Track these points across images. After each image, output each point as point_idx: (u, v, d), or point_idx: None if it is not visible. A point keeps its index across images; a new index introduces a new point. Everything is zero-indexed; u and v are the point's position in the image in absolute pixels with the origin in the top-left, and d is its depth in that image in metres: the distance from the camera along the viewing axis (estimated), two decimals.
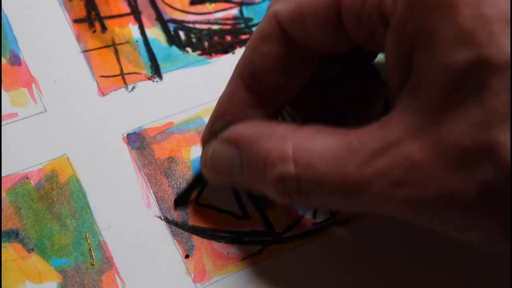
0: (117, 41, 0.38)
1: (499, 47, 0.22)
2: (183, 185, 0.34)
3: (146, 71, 0.38)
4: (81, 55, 0.38)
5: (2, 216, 0.32)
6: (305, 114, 0.34)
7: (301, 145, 0.27)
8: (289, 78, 0.30)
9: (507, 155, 0.22)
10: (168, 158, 0.35)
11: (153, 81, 0.38)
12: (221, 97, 0.31)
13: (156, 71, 0.38)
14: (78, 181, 0.34)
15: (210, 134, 0.31)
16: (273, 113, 0.31)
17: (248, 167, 0.29)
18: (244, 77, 0.30)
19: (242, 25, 0.40)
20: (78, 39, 0.38)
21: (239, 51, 0.39)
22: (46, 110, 0.36)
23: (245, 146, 0.29)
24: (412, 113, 0.24)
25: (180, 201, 0.34)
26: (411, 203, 0.25)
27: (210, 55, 0.39)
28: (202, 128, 0.36)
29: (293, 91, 0.31)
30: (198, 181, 0.34)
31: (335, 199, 0.27)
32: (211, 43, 0.39)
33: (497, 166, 0.22)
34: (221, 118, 0.31)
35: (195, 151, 0.36)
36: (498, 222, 0.24)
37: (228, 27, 0.40)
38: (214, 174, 0.31)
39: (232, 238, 0.33)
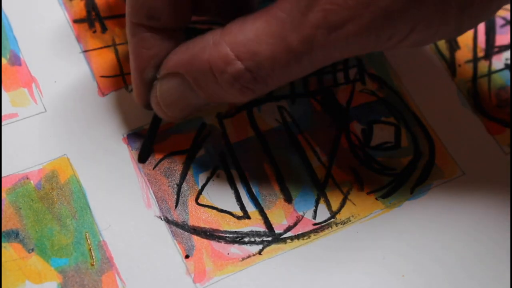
0: (117, 41, 0.38)
1: None
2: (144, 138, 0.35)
3: None
4: (81, 55, 0.38)
5: (2, 216, 0.32)
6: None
7: (236, 40, 0.28)
8: (181, 1, 0.31)
9: None
10: (168, 158, 0.35)
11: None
12: (132, 49, 0.32)
13: None
14: (78, 181, 0.34)
15: (146, 87, 0.32)
16: (183, 36, 0.32)
17: (198, 86, 0.30)
18: (142, 22, 0.31)
19: None
20: (78, 39, 0.38)
21: None
22: (46, 110, 0.36)
23: (187, 69, 0.30)
24: None
25: (144, 152, 0.35)
26: (355, 38, 0.27)
27: None
28: (201, 127, 0.36)
29: (189, 9, 0.32)
30: (155, 124, 0.34)
31: (290, 71, 0.28)
32: None
33: None
34: (147, 66, 0.32)
35: (195, 151, 0.36)
36: (433, 10, 0.27)
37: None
38: (170, 109, 0.32)
39: (232, 238, 0.33)
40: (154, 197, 0.34)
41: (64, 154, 0.35)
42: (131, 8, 0.31)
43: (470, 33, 0.42)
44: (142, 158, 0.35)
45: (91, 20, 0.39)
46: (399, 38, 0.28)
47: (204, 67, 0.29)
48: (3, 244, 0.32)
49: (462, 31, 0.30)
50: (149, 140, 0.35)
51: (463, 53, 0.41)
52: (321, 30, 0.27)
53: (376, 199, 0.35)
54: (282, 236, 0.34)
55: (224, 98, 0.30)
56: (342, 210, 0.35)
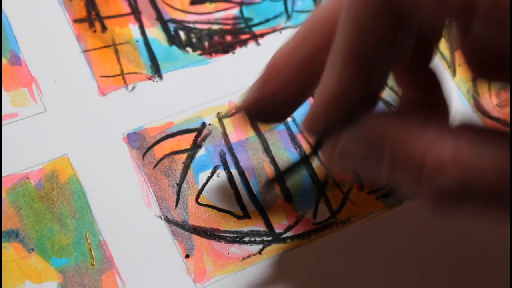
0: (117, 41, 0.38)
1: None
2: (284, 166, 0.32)
3: (146, 71, 0.38)
4: (81, 55, 0.38)
5: (2, 216, 0.32)
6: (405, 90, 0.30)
7: (463, 149, 0.23)
8: (396, 52, 0.25)
9: None
10: (168, 158, 0.35)
11: (153, 81, 0.38)
12: (327, 83, 0.26)
13: (156, 71, 0.38)
14: (78, 181, 0.34)
15: (327, 123, 0.27)
16: (380, 90, 0.27)
17: (392, 167, 0.25)
18: (351, 60, 0.25)
19: (242, 25, 0.40)
20: (78, 39, 0.38)
21: (239, 51, 0.39)
22: (46, 110, 0.36)
23: (391, 144, 0.24)
24: None
25: (279, 178, 0.31)
26: None
27: (210, 55, 0.39)
28: (201, 127, 0.36)
29: (397, 65, 0.26)
30: (305, 158, 0.31)
31: (503, 212, 0.24)
32: (211, 43, 0.39)
33: None
34: (339, 107, 0.26)
35: (195, 151, 0.36)
36: None
37: (228, 27, 0.40)
38: (342, 165, 0.27)
39: (232, 238, 0.33)
40: (154, 197, 0.34)
41: (64, 154, 0.35)
42: (344, 40, 0.25)
43: None
44: (270, 183, 0.31)
45: (91, 20, 0.39)
46: None
47: (415, 157, 0.24)
48: (3, 244, 0.32)
49: None
50: (292, 169, 0.32)
51: None
52: None
53: (376, 199, 0.35)
54: (282, 236, 0.34)
55: (408, 191, 0.26)
56: (342, 210, 0.35)
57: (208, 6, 0.40)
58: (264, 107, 0.29)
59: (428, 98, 0.29)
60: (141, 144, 0.35)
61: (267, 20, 0.40)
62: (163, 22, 0.40)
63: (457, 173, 0.23)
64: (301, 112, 0.37)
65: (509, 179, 0.23)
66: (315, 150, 0.28)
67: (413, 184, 0.24)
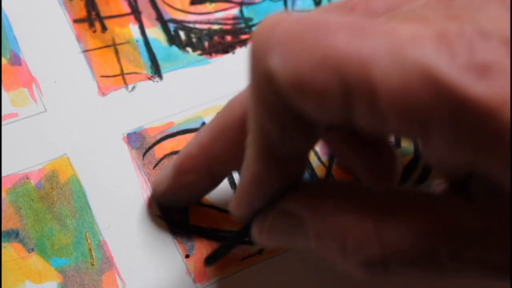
0: (117, 41, 0.38)
1: None
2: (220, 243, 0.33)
3: (146, 71, 0.38)
4: (81, 55, 0.38)
5: (2, 216, 0.32)
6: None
7: (384, 222, 0.24)
8: (307, 141, 0.26)
9: None
10: (168, 158, 0.35)
11: (153, 81, 0.38)
12: (246, 172, 0.26)
13: (156, 71, 0.38)
14: (78, 181, 0.34)
15: (251, 207, 0.27)
16: (300, 171, 0.28)
17: (318, 243, 0.25)
18: (262, 153, 0.25)
19: (242, 25, 0.40)
20: (78, 39, 0.38)
21: (239, 51, 0.39)
22: (46, 110, 0.36)
23: (314, 220, 0.25)
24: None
25: (213, 258, 0.32)
26: None
27: (210, 55, 0.39)
28: (201, 127, 0.36)
29: (310, 147, 0.27)
30: (238, 239, 0.31)
31: (426, 275, 0.25)
32: (211, 43, 0.39)
33: None
34: (260, 192, 0.27)
35: None
36: None
37: (228, 27, 0.40)
38: (273, 243, 0.28)
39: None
40: None
41: (64, 154, 0.35)
42: (255, 135, 0.25)
43: None
44: (209, 262, 0.32)
45: (91, 20, 0.39)
46: None
47: (337, 232, 0.25)
48: (3, 244, 0.32)
49: None
50: (226, 248, 0.32)
51: None
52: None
53: None
54: None
55: (337, 264, 0.26)
56: None
57: (208, 6, 0.41)
58: (175, 196, 0.32)
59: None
60: (141, 144, 0.35)
61: None
62: (163, 22, 0.40)
63: (378, 248, 0.24)
64: None
65: (426, 248, 0.23)
66: (244, 233, 0.29)
67: (341, 257, 0.25)
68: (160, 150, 0.35)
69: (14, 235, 0.32)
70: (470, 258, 0.23)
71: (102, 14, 0.39)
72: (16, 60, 0.37)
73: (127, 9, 0.40)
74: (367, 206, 0.24)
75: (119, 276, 0.32)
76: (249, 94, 0.24)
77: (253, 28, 0.40)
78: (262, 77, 0.23)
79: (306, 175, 0.35)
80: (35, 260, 0.32)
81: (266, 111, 0.24)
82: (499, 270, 0.24)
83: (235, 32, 0.40)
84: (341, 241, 0.25)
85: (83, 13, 0.39)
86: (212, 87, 0.37)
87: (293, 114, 0.23)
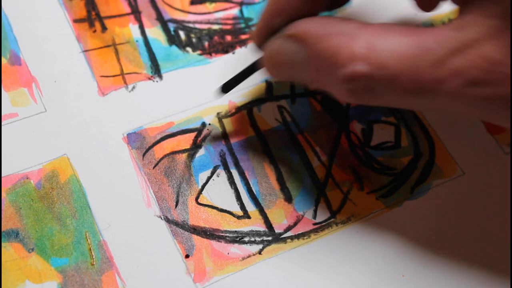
0: (117, 41, 0.38)
1: None
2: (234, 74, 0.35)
3: (146, 71, 0.38)
4: (81, 55, 0.38)
5: (2, 216, 0.32)
6: None
7: (372, 43, 0.27)
8: None
9: None
10: (168, 158, 0.35)
11: (153, 81, 0.38)
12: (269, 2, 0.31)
13: (156, 71, 0.38)
14: (78, 181, 0.34)
15: (268, 31, 0.31)
16: (333, 5, 0.32)
17: (314, 64, 0.29)
18: None
19: (242, 25, 0.40)
20: (78, 39, 0.38)
21: (239, 51, 0.39)
22: (46, 110, 0.36)
23: (313, 42, 0.28)
24: (490, 15, 0.25)
25: (228, 86, 0.34)
26: (484, 102, 0.26)
27: (210, 55, 0.39)
28: (201, 127, 0.36)
29: None
30: (251, 71, 0.34)
31: (406, 98, 0.27)
32: (211, 43, 0.39)
33: None
34: (280, 14, 0.30)
35: (195, 151, 0.36)
36: None
37: (228, 27, 0.40)
38: (276, 69, 0.31)
39: (232, 238, 0.33)
40: (154, 197, 0.34)
41: (64, 154, 0.35)
42: None
43: None
44: (224, 89, 0.35)
45: (91, 19, 0.39)
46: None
47: (329, 52, 0.28)
48: (3, 244, 0.32)
49: None
50: (239, 76, 0.34)
51: None
52: (457, 79, 0.26)
53: (376, 198, 0.35)
54: (282, 236, 0.34)
55: (328, 88, 0.29)
56: (342, 210, 0.35)
57: (208, 6, 0.41)
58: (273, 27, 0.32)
59: None
60: (141, 144, 0.35)
61: None
62: (163, 22, 0.40)
63: (366, 63, 0.27)
64: (301, 112, 0.37)
65: (411, 67, 0.26)
66: (258, 63, 0.33)
67: (332, 78, 0.28)
68: (160, 150, 0.35)
69: (14, 235, 0.32)
70: (450, 69, 0.26)
71: (102, 14, 0.39)
72: (16, 60, 0.37)
73: (127, 9, 0.40)
74: (361, 31, 0.27)
75: (119, 276, 0.32)
76: None
77: (253, 28, 0.40)
78: None
79: (307, 175, 0.36)
80: (35, 260, 0.32)
81: None
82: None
83: (235, 32, 0.40)
84: (332, 59, 0.27)
85: (83, 13, 0.39)
86: (212, 87, 0.37)
87: None
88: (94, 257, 0.32)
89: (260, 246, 0.33)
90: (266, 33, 0.31)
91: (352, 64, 0.27)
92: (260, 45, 0.32)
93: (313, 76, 0.29)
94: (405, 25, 0.28)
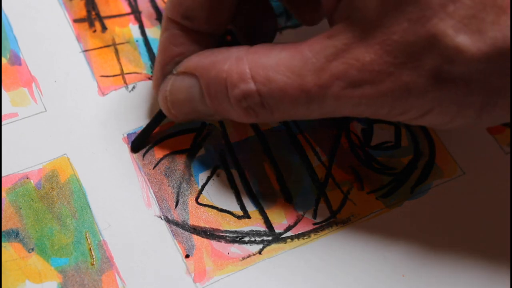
0: (117, 41, 0.38)
1: None
2: (141, 126, 0.35)
3: (146, 71, 0.38)
4: (81, 55, 0.38)
5: (2, 216, 0.32)
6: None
7: (257, 62, 0.29)
8: (219, 9, 0.31)
9: (449, 40, 0.25)
10: (168, 158, 0.35)
11: None
12: (161, 43, 0.33)
13: None
14: (78, 181, 0.34)
15: (163, 77, 0.33)
16: (214, 44, 0.33)
17: (208, 93, 0.30)
18: (177, 20, 0.31)
19: None
20: (78, 39, 0.38)
21: None
22: (46, 110, 0.36)
23: (203, 73, 0.30)
24: (355, 23, 0.27)
25: (138, 142, 0.35)
26: (369, 100, 0.27)
27: None
28: (201, 127, 0.36)
29: (225, 19, 0.32)
30: (158, 119, 0.35)
31: (297, 109, 0.29)
32: None
33: (442, 52, 0.25)
34: (170, 62, 0.32)
35: (195, 151, 0.36)
36: (453, 100, 0.27)
37: (228, 26, 0.40)
38: (176, 108, 0.33)
39: (232, 238, 0.33)
40: (154, 197, 0.34)
41: (64, 154, 0.35)
42: (169, 4, 0.31)
43: None
44: (134, 148, 0.35)
45: (91, 19, 0.39)
46: (412, 116, 0.28)
47: (220, 77, 0.29)
48: (3, 244, 0.32)
49: (480, 126, 0.29)
50: (146, 131, 0.35)
51: None
52: (339, 82, 0.27)
53: (376, 198, 0.35)
54: (282, 236, 0.34)
55: (228, 114, 0.31)
56: (342, 210, 0.35)
57: None
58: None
59: None
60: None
61: None
62: None
63: (253, 83, 0.29)
64: None
65: (295, 78, 0.28)
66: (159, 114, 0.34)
67: (227, 101, 0.30)
68: (160, 150, 0.35)
69: (14, 235, 0.32)
70: (331, 74, 0.27)
71: (102, 14, 0.39)
72: (16, 60, 0.37)
73: (127, 9, 0.40)
74: (245, 53, 0.29)
75: (119, 276, 0.32)
76: None
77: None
78: None
79: (307, 175, 0.36)
80: (35, 260, 0.32)
81: None
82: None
83: (235, 32, 0.40)
84: (224, 83, 0.29)
85: (83, 13, 0.39)
86: None
87: None
88: (94, 257, 0.32)
89: (260, 246, 0.33)
90: (162, 81, 0.33)
91: (242, 83, 0.29)
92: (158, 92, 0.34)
93: (211, 105, 0.31)
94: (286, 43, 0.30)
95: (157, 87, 0.33)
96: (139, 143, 0.35)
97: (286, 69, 0.28)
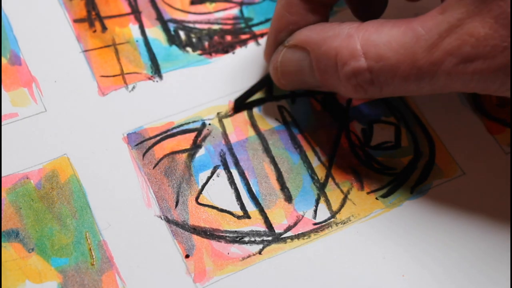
0: (117, 41, 0.38)
1: None
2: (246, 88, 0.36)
3: (146, 71, 0.38)
4: (81, 55, 0.38)
5: (2, 216, 0.32)
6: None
7: (368, 39, 0.29)
8: None
9: None
10: (168, 158, 0.35)
11: (153, 81, 0.38)
12: (277, 9, 0.33)
13: (156, 71, 0.38)
14: (78, 181, 0.34)
15: (276, 46, 0.33)
16: (327, 14, 0.33)
17: (318, 68, 0.31)
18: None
19: (242, 25, 0.40)
20: (78, 39, 0.38)
21: (239, 51, 0.39)
22: (46, 110, 0.36)
23: (314, 48, 0.31)
24: None
25: (241, 100, 0.36)
26: (482, 75, 0.27)
27: (210, 54, 0.39)
28: (201, 127, 0.36)
29: None
30: (264, 82, 0.36)
31: (407, 85, 0.29)
32: (211, 43, 0.39)
33: None
34: (284, 29, 0.33)
35: (195, 151, 0.36)
36: None
37: (228, 27, 0.40)
38: (285, 78, 0.33)
39: (232, 238, 0.33)
40: (154, 197, 0.34)
41: (64, 154, 0.35)
42: None
43: None
44: (236, 108, 0.36)
45: (91, 19, 0.39)
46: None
47: (330, 53, 0.30)
48: (3, 244, 0.32)
49: None
50: (251, 91, 0.36)
51: None
52: (451, 58, 0.27)
53: (376, 198, 0.35)
54: (282, 236, 0.34)
55: (336, 88, 0.31)
56: (342, 210, 0.35)
57: (208, 6, 0.40)
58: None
59: None
60: (141, 144, 0.35)
61: (267, 20, 0.40)
62: (163, 22, 0.40)
63: (364, 60, 0.29)
64: (301, 112, 0.37)
65: (407, 55, 0.28)
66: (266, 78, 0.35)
67: (337, 77, 0.30)
68: (160, 150, 0.35)
69: (14, 235, 0.32)
70: (444, 50, 0.27)
71: (102, 14, 0.39)
72: (16, 60, 0.37)
73: (127, 9, 0.40)
74: (356, 30, 0.29)
75: (119, 276, 0.32)
76: None
77: (253, 28, 0.40)
78: None
79: (307, 175, 0.36)
80: (35, 260, 0.32)
81: None
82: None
83: (235, 32, 0.40)
84: (334, 60, 0.30)
85: (83, 13, 0.39)
86: (212, 87, 0.37)
87: None
88: (94, 257, 0.32)
89: (260, 246, 0.33)
90: (274, 48, 0.34)
91: (353, 61, 0.29)
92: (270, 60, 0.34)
93: (320, 79, 0.31)
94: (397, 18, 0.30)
95: (269, 54, 0.34)
96: (241, 102, 0.36)
97: (398, 46, 0.28)
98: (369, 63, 0.29)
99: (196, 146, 0.36)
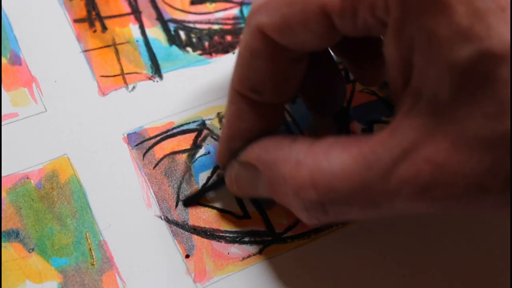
0: (117, 41, 0.38)
1: (499, 37, 0.22)
2: (197, 185, 0.35)
3: (147, 71, 0.38)
4: (82, 55, 0.38)
5: (3, 216, 0.32)
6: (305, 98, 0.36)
7: (318, 168, 0.26)
8: (287, 80, 0.30)
9: None
10: (168, 158, 0.35)
11: (154, 81, 0.38)
12: (228, 116, 0.31)
13: (156, 71, 0.38)
14: (78, 181, 0.34)
15: (230, 154, 0.32)
16: (281, 118, 0.32)
17: (271, 190, 0.29)
18: (244, 93, 0.30)
19: (243, 25, 0.40)
20: (79, 39, 0.38)
21: None
22: (46, 110, 0.36)
23: (265, 169, 0.29)
24: (421, 114, 0.24)
25: (191, 201, 0.34)
26: (443, 202, 0.25)
27: (211, 55, 0.39)
28: (201, 127, 0.36)
29: (294, 89, 0.31)
30: (218, 184, 0.34)
31: (366, 212, 0.26)
32: (211, 43, 0.39)
33: None
34: (236, 138, 0.31)
35: (195, 151, 0.36)
36: None
37: (228, 27, 0.40)
38: (242, 192, 0.32)
39: (233, 238, 0.33)
40: (154, 197, 0.34)
41: (64, 154, 0.35)
42: (236, 77, 0.30)
43: None
44: (186, 203, 0.34)
45: (91, 19, 0.39)
46: (488, 211, 0.25)
47: (281, 179, 0.28)
48: (3, 244, 0.32)
49: None
50: (202, 191, 0.34)
51: None
52: (408, 186, 0.25)
53: None
54: (282, 236, 0.34)
55: (290, 209, 0.29)
56: None
57: (208, 6, 0.41)
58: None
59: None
60: (141, 144, 0.35)
61: None
62: (163, 22, 0.40)
63: (314, 192, 0.26)
64: (301, 113, 0.37)
65: (361, 185, 0.25)
66: (222, 181, 0.33)
67: (289, 201, 0.28)
68: (160, 150, 0.35)
69: (14, 235, 0.32)
70: (399, 178, 0.25)
71: (102, 14, 0.39)
72: (16, 60, 0.37)
73: (127, 9, 0.40)
74: (305, 155, 0.27)
75: (119, 276, 0.32)
76: (240, 47, 0.29)
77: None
78: (253, 29, 0.28)
79: None
80: (35, 260, 0.32)
81: (252, 55, 0.28)
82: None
83: (235, 32, 0.40)
84: (284, 186, 0.28)
85: (83, 13, 0.39)
86: (212, 87, 0.37)
87: (276, 53, 0.28)
88: (94, 257, 0.32)
89: (260, 246, 0.33)
90: (227, 157, 0.32)
91: (301, 192, 0.27)
92: (224, 166, 0.33)
93: (274, 197, 0.29)
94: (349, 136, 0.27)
95: (222, 160, 0.32)
96: (192, 201, 0.34)
97: (350, 175, 0.25)
98: (320, 196, 0.26)
99: (196, 146, 0.36)
